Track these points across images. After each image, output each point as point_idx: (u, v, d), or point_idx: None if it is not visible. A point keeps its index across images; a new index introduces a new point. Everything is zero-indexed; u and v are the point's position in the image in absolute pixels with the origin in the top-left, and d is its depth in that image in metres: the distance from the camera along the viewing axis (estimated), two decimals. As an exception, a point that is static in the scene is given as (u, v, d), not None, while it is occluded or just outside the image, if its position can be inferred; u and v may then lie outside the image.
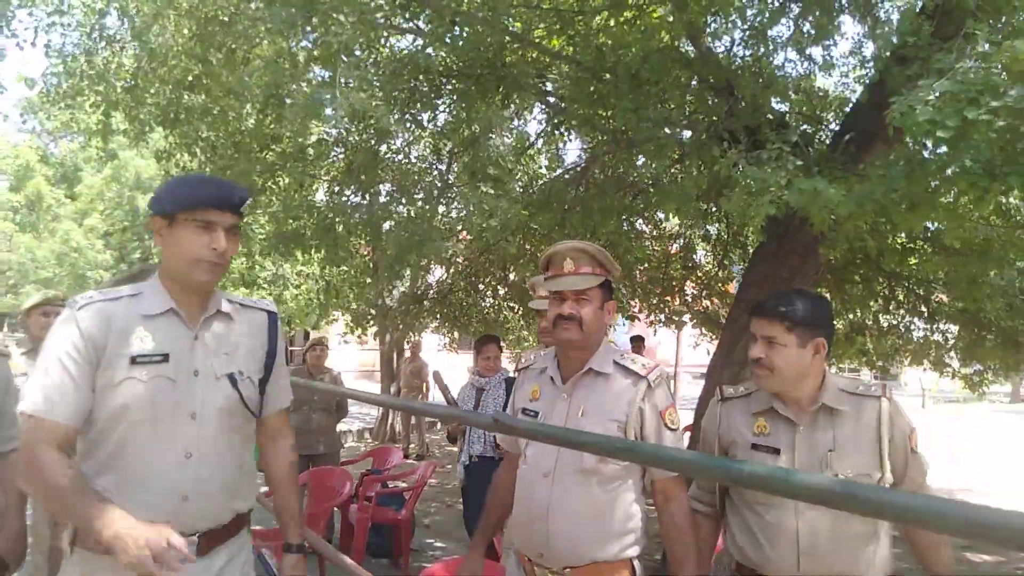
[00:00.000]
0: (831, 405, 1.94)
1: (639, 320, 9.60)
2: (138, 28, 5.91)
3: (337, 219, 5.26)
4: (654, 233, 8.91)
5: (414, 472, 5.78)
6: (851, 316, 8.07)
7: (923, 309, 7.12)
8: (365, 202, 6.39)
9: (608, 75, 4.26)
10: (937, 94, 2.54)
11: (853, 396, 1.95)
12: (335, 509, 5.08)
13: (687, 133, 4.70)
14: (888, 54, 3.27)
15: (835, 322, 8.28)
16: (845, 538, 1.88)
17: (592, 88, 4.40)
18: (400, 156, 6.46)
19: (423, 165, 6.53)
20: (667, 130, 4.04)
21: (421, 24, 5.00)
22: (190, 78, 6.02)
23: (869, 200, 2.82)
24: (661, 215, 7.47)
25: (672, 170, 5.47)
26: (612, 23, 4.61)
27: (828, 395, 1.95)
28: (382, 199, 6.32)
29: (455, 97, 5.08)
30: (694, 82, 4.49)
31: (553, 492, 1.97)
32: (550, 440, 1.67)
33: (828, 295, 7.86)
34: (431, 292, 8.09)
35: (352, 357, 21.50)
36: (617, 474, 1.99)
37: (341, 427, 11.83)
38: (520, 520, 2.06)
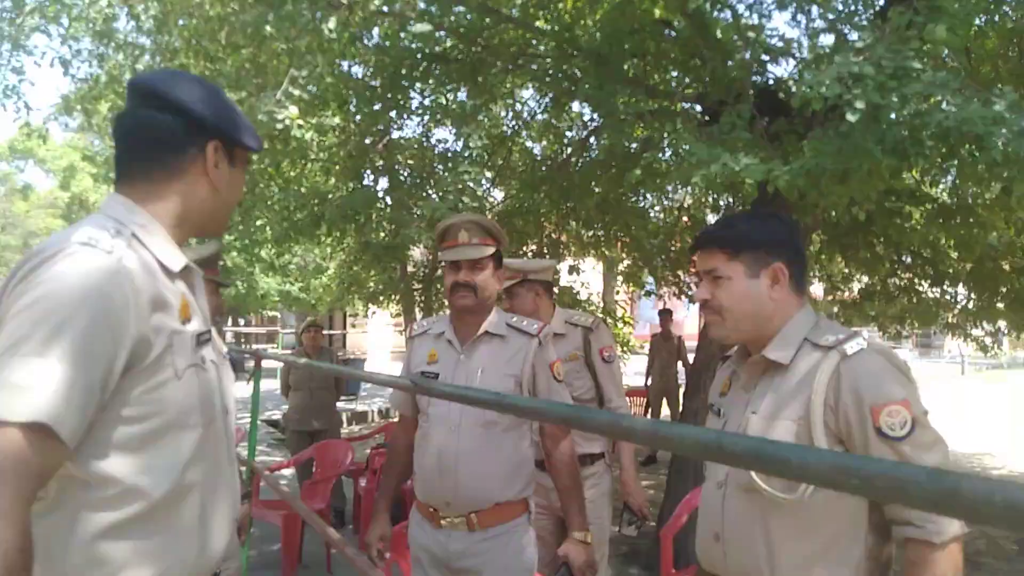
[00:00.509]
0: (771, 357, 1.51)
1: (658, 295, 9.66)
2: (147, 29, 6.21)
3: (328, 208, 5.48)
4: (661, 205, 8.98)
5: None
6: (860, 281, 8.10)
7: (930, 271, 7.09)
8: (372, 186, 6.65)
9: (575, 54, 4.39)
10: (848, 73, 2.64)
11: (810, 346, 1.48)
12: (344, 478, 5.41)
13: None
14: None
15: (846, 286, 8.46)
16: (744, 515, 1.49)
17: (565, 67, 4.54)
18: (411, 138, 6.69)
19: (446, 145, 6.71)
20: (625, 106, 4.16)
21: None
22: (199, 75, 6.32)
23: (800, 173, 2.94)
24: (670, 187, 7.53)
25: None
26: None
27: (776, 344, 1.51)
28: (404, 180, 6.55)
29: (445, 79, 5.24)
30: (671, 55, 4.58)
31: (460, 443, 2.16)
32: (479, 404, 1.81)
33: (840, 261, 7.93)
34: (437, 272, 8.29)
35: (388, 340, 21.99)
36: (514, 423, 2.20)
37: (361, 407, 12.34)
38: (427, 474, 2.24)
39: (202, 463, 1.17)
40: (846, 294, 8.55)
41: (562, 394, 2.29)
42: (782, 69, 4.67)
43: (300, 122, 4.39)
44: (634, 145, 5.66)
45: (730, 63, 3.91)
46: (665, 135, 3.80)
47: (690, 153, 3.19)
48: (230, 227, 7.26)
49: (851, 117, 2.55)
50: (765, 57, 4.59)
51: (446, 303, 2.65)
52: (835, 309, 9.00)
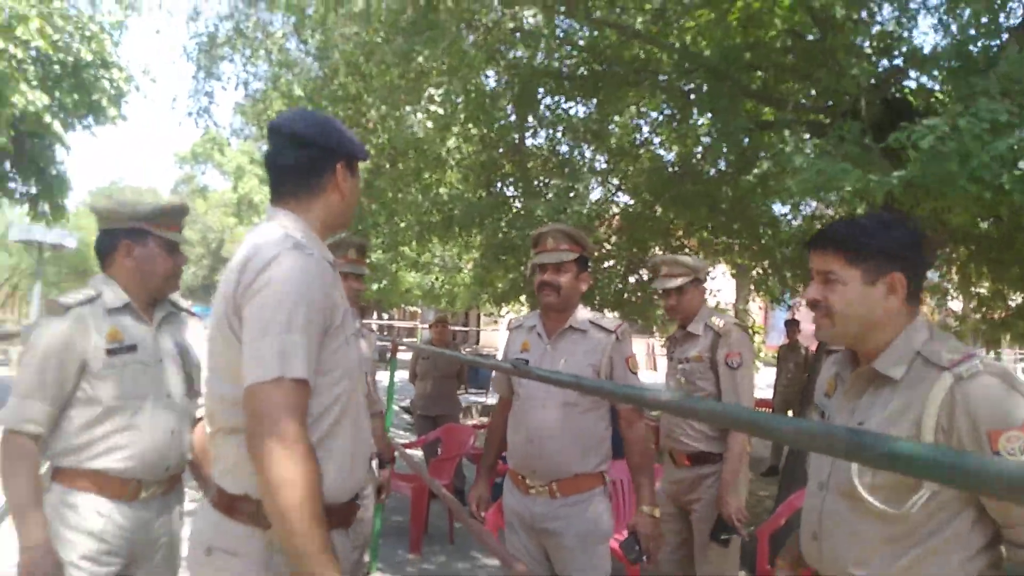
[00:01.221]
0: (882, 371, 1.47)
1: (789, 305, 9.46)
2: (312, 52, 7.02)
3: (459, 211, 5.96)
4: (794, 214, 8.81)
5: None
6: (1012, 299, 7.57)
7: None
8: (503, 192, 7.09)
9: (695, 69, 4.59)
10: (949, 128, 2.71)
11: (922, 362, 1.43)
12: (465, 460, 5.89)
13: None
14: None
15: (996, 304, 7.92)
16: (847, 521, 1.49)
17: (684, 81, 4.75)
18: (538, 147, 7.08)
19: (564, 155, 7.08)
20: (745, 118, 4.29)
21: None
22: (353, 92, 7.05)
23: (900, 185, 3.01)
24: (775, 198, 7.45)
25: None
26: (703, 19, 4.89)
27: (887, 357, 1.47)
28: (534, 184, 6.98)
29: (570, 94, 5.59)
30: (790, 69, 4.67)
31: (545, 420, 2.50)
32: (559, 384, 2.15)
33: (983, 276, 7.45)
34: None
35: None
36: (591, 406, 2.51)
37: (491, 400, 12.89)
38: (517, 445, 2.59)
39: (352, 405, 1.53)
40: (996, 313, 8.02)
41: (635, 384, 2.56)
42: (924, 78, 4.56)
43: (435, 133, 4.88)
44: (760, 154, 5.73)
45: (854, 72, 3.96)
46: (773, 145, 3.90)
47: (788, 161, 3.34)
48: (375, 227, 8.00)
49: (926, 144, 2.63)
50: (902, 65, 4.57)
51: None
52: (983, 327, 8.47)
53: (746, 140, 4.82)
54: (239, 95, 7.47)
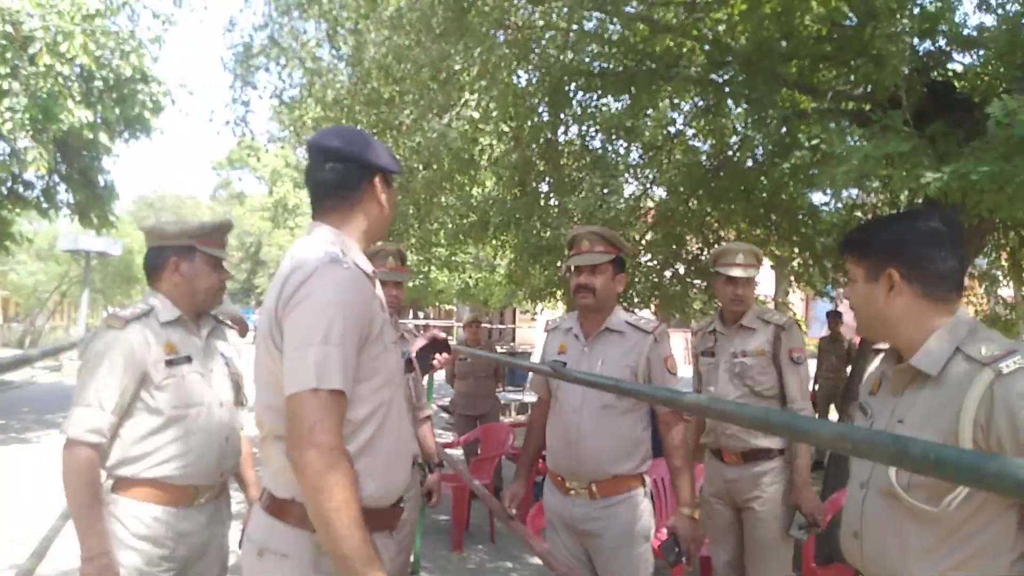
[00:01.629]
0: (918, 368, 1.46)
1: (831, 296, 9.31)
2: (344, 56, 7.10)
3: (494, 213, 5.96)
4: (837, 202, 8.64)
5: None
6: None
7: None
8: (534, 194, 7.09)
9: (728, 60, 4.52)
10: None
11: (963, 358, 1.42)
12: (505, 460, 5.91)
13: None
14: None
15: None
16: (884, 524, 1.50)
17: (716, 74, 4.68)
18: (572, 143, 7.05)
19: (599, 151, 7.05)
20: (780, 108, 4.21)
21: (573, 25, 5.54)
22: (386, 96, 7.11)
23: (954, 178, 2.91)
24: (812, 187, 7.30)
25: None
26: (736, 10, 4.81)
27: (924, 353, 1.46)
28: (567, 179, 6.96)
29: (602, 91, 5.55)
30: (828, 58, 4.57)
31: (583, 422, 2.50)
32: (597, 387, 2.19)
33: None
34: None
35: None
36: (630, 407, 2.50)
37: (528, 397, 12.90)
38: (555, 446, 2.60)
39: (394, 411, 1.58)
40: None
41: (674, 386, 2.56)
42: (968, 59, 4.43)
43: (471, 136, 4.88)
44: (796, 143, 5.61)
45: (894, 62, 3.86)
46: (812, 136, 3.80)
47: (833, 148, 3.27)
48: (408, 229, 8.06)
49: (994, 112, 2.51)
50: (946, 48, 4.44)
51: None
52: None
53: (783, 130, 4.74)
54: (274, 103, 7.60)
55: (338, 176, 1.62)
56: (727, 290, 3.12)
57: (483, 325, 6.73)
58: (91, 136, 8.31)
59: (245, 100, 6.85)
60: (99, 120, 8.52)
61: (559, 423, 2.61)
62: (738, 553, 3.12)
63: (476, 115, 4.87)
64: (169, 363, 2.07)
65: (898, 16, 3.67)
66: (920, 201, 5.51)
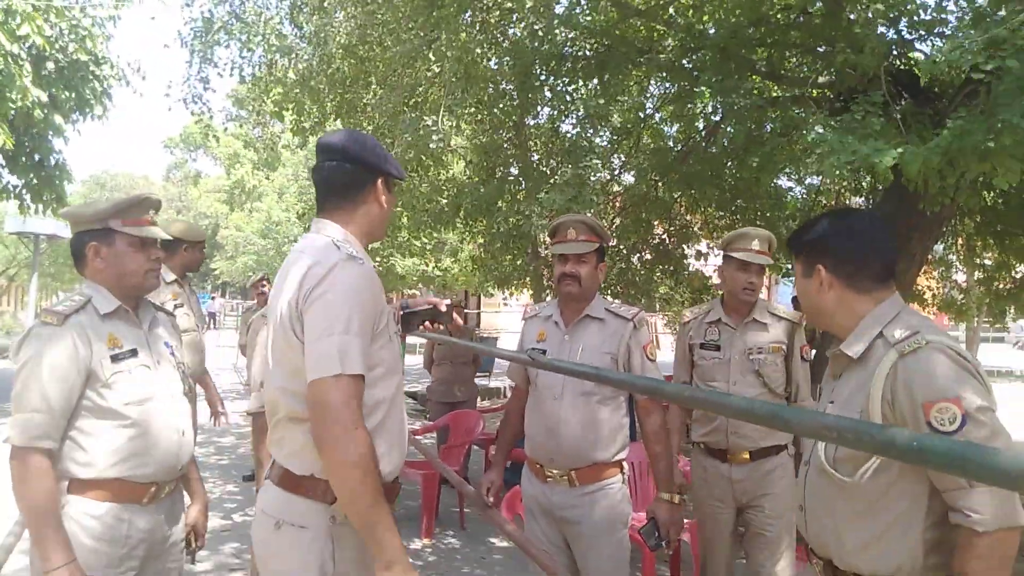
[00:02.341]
0: (845, 352, 1.61)
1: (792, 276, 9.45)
2: (308, 35, 6.92)
3: (464, 198, 5.90)
4: (801, 188, 8.76)
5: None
6: (1017, 271, 7.57)
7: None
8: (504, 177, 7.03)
9: (699, 47, 4.52)
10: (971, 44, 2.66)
11: (882, 342, 1.55)
12: (475, 447, 5.90)
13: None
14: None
15: (1002, 275, 7.90)
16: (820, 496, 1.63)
17: (688, 59, 4.68)
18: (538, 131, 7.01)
19: (568, 135, 7.01)
20: (750, 96, 4.23)
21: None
22: (351, 77, 6.95)
23: (937, 153, 2.96)
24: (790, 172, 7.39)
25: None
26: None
27: (850, 339, 1.61)
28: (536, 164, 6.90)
29: (573, 75, 5.51)
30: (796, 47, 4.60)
31: (562, 410, 2.50)
32: (577, 375, 2.17)
33: (988, 247, 7.44)
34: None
35: (519, 321, 22.72)
36: (610, 394, 2.50)
37: (494, 383, 12.91)
38: (535, 434, 2.60)
39: (399, 397, 1.73)
40: (1001, 284, 8.01)
41: (654, 372, 2.56)
42: (928, 46, 4.50)
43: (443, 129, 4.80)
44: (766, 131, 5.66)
45: (865, 48, 3.89)
46: (781, 124, 3.83)
47: (819, 141, 3.29)
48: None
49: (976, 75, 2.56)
50: (908, 35, 4.49)
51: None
52: (987, 300, 8.47)
53: (753, 115, 4.76)
54: (233, 81, 7.38)
55: (346, 176, 1.74)
56: (739, 277, 2.89)
57: (463, 310, 6.65)
58: (43, 116, 7.97)
59: (203, 76, 6.61)
60: (51, 102, 8.19)
61: (539, 411, 2.59)
62: (735, 554, 3.01)
63: (447, 117, 4.77)
64: (114, 358, 1.95)
65: (869, 2, 3.70)
66: (881, 188, 5.64)
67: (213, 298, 36.63)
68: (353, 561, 1.63)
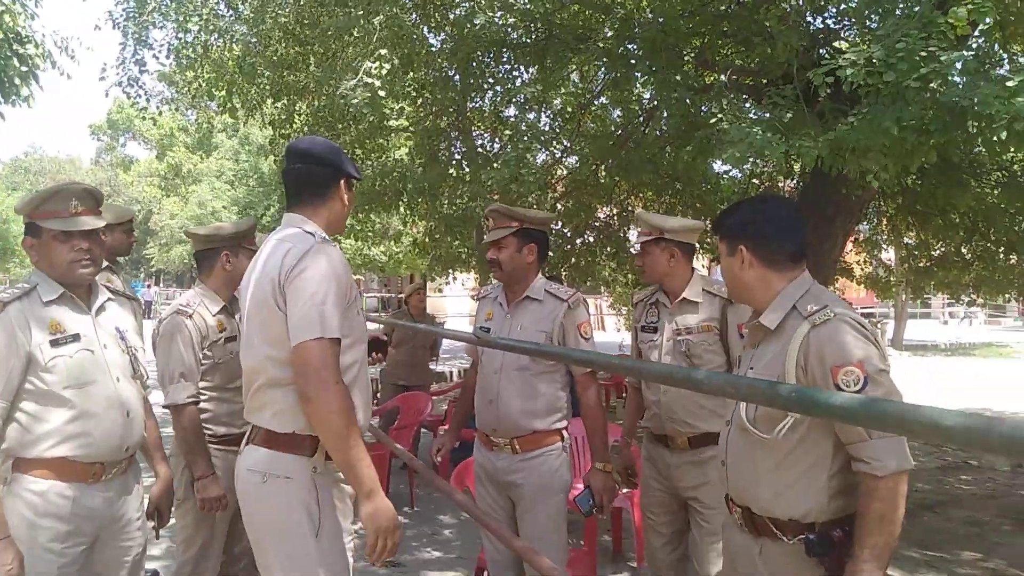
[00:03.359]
0: (763, 324, 1.78)
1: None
2: (245, 17, 6.79)
3: (405, 181, 5.93)
4: (732, 174, 9.04)
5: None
6: (936, 249, 8.03)
7: (1004, 239, 7.00)
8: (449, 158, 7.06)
9: (634, 35, 4.67)
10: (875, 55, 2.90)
11: (796, 314, 1.73)
12: (424, 429, 5.99)
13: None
14: None
15: (922, 253, 8.37)
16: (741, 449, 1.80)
17: (623, 48, 4.82)
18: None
19: (509, 119, 7.07)
20: (683, 85, 4.42)
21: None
22: (290, 58, 6.86)
23: (825, 147, 3.21)
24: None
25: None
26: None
27: (767, 312, 1.78)
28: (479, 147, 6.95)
29: (513, 62, 5.59)
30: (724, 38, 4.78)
31: (501, 384, 2.69)
32: (516, 351, 2.42)
33: (910, 227, 7.88)
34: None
35: (465, 304, 22.85)
36: (544, 369, 2.68)
37: (441, 367, 12.99)
38: (480, 406, 2.80)
39: (364, 362, 1.99)
40: (921, 262, 8.48)
41: (587, 349, 2.72)
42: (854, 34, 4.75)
43: (377, 101, 4.82)
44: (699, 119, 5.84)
45: (778, 43, 4.09)
46: (713, 113, 4.00)
47: (725, 132, 3.48)
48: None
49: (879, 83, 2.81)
50: (834, 25, 4.74)
51: None
52: (910, 277, 8.96)
53: (687, 102, 4.94)
54: (170, 63, 7.18)
55: (313, 175, 1.99)
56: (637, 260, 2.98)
57: (389, 295, 6.69)
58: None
59: (138, 59, 6.43)
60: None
61: (482, 384, 2.79)
62: (673, 535, 2.90)
63: (379, 82, 4.77)
64: (54, 343, 2.02)
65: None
66: (808, 171, 5.92)
67: (148, 286, 35.42)
68: (330, 506, 1.88)
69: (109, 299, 2.26)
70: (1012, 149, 3.09)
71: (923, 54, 2.95)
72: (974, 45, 3.99)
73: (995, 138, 2.90)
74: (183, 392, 2.59)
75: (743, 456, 1.80)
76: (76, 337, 2.07)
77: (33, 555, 1.95)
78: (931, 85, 2.91)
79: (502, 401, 2.68)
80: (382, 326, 6.81)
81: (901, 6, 3.69)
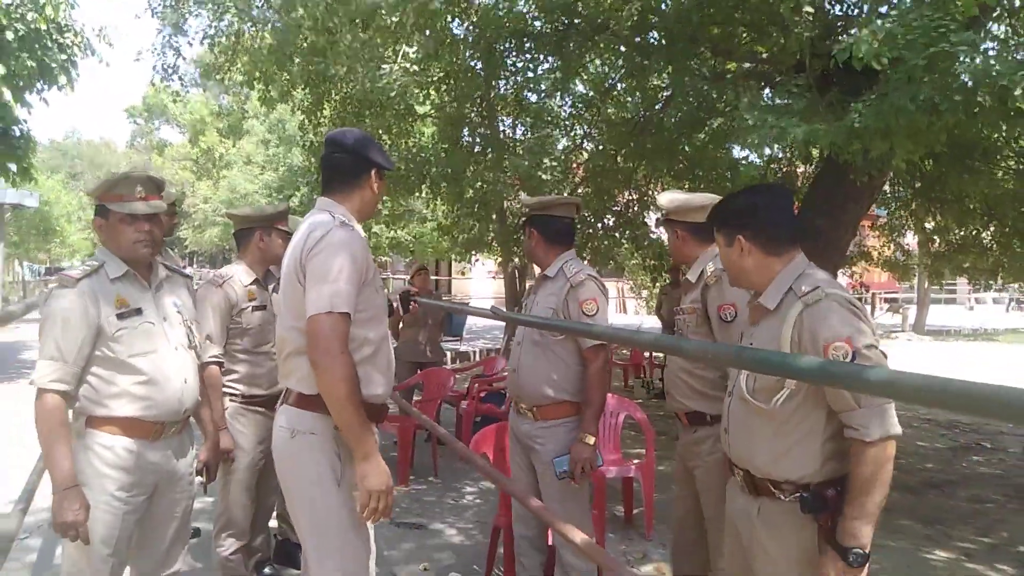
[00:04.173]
0: (763, 304, 1.95)
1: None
2: (276, 5, 7.03)
3: (429, 166, 6.16)
4: (751, 159, 9.12)
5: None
6: (950, 235, 8.08)
7: (1020, 226, 7.04)
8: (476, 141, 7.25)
9: (648, 36, 4.83)
10: (881, 35, 3.03)
11: (792, 295, 1.87)
12: (445, 404, 6.26)
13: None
14: None
15: (942, 238, 8.40)
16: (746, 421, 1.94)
17: (641, 37, 4.99)
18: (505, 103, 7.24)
19: (536, 105, 7.24)
20: (699, 73, 4.57)
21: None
22: (320, 46, 7.09)
23: (842, 132, 3.35)
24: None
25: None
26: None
27: (766, 293, 1.94)
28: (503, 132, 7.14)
29: (534, 51, 5.78)
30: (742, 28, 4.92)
31: (521, 355, 2.97)
32: (536, 325, 2.78)
33: (930, 212, 7.92)
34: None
35: (490, 286, 23.15)
36: (557, 343, 2.88)
37: (464, 347, 13.29)
38: (509, 375, 3.11)
39: (385, 341, 2.15)
40: (940, 246, 8.52)
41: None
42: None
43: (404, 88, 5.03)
44: (716, 106, 5.96)
45: (797, 30, 4.22)
46: (729, 101, 4.15)
47: (743, 118, 3.64)
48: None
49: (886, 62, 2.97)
50: (851, 12, 4.84)
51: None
52: (927, 261, 9.01)
53: (704, 90, 5.09)
54: (204, 49, 7.45)
55: (345, 164, 2.18)
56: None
57: (429, 274, 6.95)
58: (3, 91, 7.99)
59: (175, 46, 6.72)
60: (12, 74, 8.17)
61: (511, 356, 3.09)
62: (690, 510, 2.83)
63: (411, 66, 4.99)
64: (120, 316, 2.27)
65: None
66: (822, 157, 6.02)
67: (184, 267, 36.23)
68: (351, 460, 2.02)
69: (167, 276, 2.51)
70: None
71: (934, 34, 3.05)
72: (992, 28, 4.06)
73: (1011, 110, 3.00)
74: (207, 352, 2.89)
75: (743, 424, 1.96)
76: (139, 311, 2.31)
77: (101, 502, 2.20)
78: (942, 65, 3.02)
79: (522, 370, 2.95)
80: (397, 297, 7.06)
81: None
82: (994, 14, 3.68)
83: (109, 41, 9.36)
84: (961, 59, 3.01)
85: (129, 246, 2.32)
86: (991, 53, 3.22)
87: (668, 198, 2.92)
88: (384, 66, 5.08)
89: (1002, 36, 3.88)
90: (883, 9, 4.30)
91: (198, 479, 2.67)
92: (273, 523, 3.65)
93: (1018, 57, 3.05)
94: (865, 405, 1.73)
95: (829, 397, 1.78)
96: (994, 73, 2.87)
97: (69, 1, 8.63)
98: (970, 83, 2.99)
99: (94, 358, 2.23)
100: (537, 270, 3.13)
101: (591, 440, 2.78)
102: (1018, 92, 2.90)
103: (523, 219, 3.02)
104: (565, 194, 7.18)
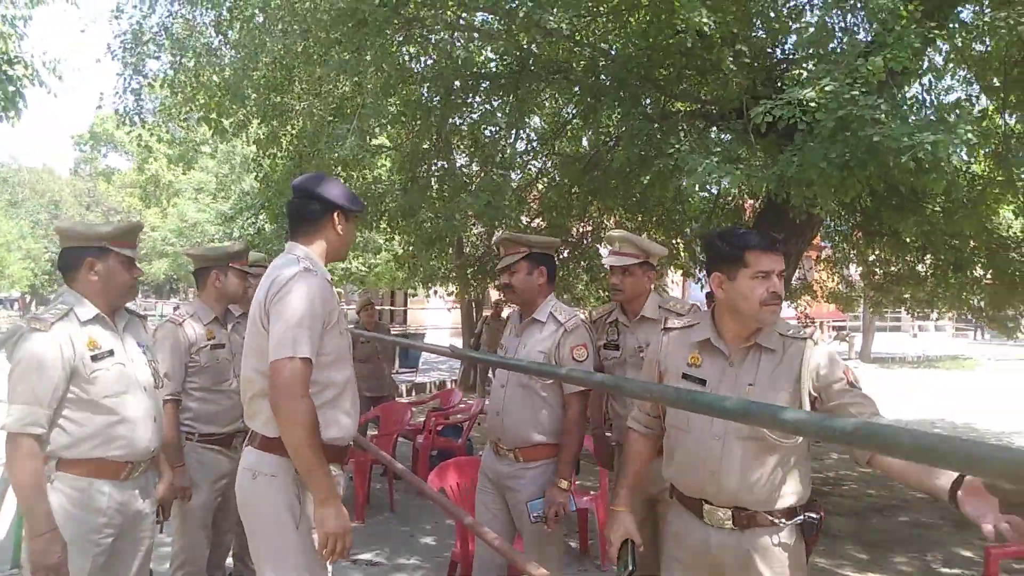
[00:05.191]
0: (763, 344, 2.02)
1: (697, 278, 10.12)
2: (234, 41, 7.06)
3: (387, 201, 6.24)
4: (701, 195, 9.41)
5: (470, 407, 6.87)
6: (890, 267, 8.46)
7: (952, 258, 7.41)
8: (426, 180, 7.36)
9: (604, 66, 5.04)
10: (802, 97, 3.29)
11: (784, 337, 2.02)
12: (402, 438, 6.27)
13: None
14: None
15: (882, 270, 8.77)
16: (750, 464, 1.98)
17: (593, 79, 5.19)
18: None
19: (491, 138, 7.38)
20: (646, 115, 4.79)
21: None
22: (274, 83, 7.14)
23: (773, 179, 3.58)
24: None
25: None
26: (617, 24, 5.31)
27: (764, 335, 2.02)
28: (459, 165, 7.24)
29: (490, 92, 5.94)
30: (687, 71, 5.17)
31: (505, 398, 2.95)
32: (516, 369, 2.77)
33: (871, 244, 8.29)
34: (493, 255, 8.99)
35: (445, 317, 23.16)
36: (544, 387, 2.88)
37: (420, 379, 13.28)
38: (489, 416, 3.07)
39: (351, 382, 2.21)
40: (880, 277, 8.89)
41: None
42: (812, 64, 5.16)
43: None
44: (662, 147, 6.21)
45: (729, 83, 4.47)
46: (671, 143, 4.37)
47: (683, 160, 3.84)
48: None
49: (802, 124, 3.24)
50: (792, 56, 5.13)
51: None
52: (869, 293, 9.39)
53: (651, 129, 5.29)
54: (164, 92, 7.43)
55: (307, 209, 2.24)
56: (611, 279, 3.19)
57: (375, 307, 6.99)
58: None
59: (135, 89, 6.70)
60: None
61: (492, 397, 3.06)
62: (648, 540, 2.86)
63: (361, 118, 5.08)
64: (94, 358, 2.31)
65: (738, 41, 4.28)
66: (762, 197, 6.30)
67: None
68: (311, 503, 2.06)
69: (129, 319, 2.55)
70: (930, 180, 3.40)
71: (846, 97, 3.33)
72: (907, 92, 4.40)
73: (921, 169, 3.30)
74: (164, 390, 2.92)
75: (747, 462, 1.98)
76: (111, 352, 2.36)
77: (74, 545, 2.20)
78: (853, 126, 3.30)
79: (506, 414, 2.91)
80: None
81: (835, 44, 4.12)
82: (903, 77, 3.98)
83: (59, 75, 9.23)
84: (868, 119, 3.26)
85: (124, 288, 2.45)
86: (910, 115, 3.52)
87: (646, 242, 3.13)
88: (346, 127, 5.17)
89: (911, 100, 4.20)
90: (822, 51, 4.59)
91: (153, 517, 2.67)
92: (229, 561, 3.62)
93: (931, 118, 3.31)
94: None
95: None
96: (904, 137, 3.14)
97: (18, 33, 8.51)
98: (879, 144, 3.25)
99: (67, 400, 2.25)
100: (510, 309, 3.15)
101: (565, 484, 2.82)
102: (922, 155, 3.16)
103: (521, 256, 2.91)
104: (520, 226, 7.35)
